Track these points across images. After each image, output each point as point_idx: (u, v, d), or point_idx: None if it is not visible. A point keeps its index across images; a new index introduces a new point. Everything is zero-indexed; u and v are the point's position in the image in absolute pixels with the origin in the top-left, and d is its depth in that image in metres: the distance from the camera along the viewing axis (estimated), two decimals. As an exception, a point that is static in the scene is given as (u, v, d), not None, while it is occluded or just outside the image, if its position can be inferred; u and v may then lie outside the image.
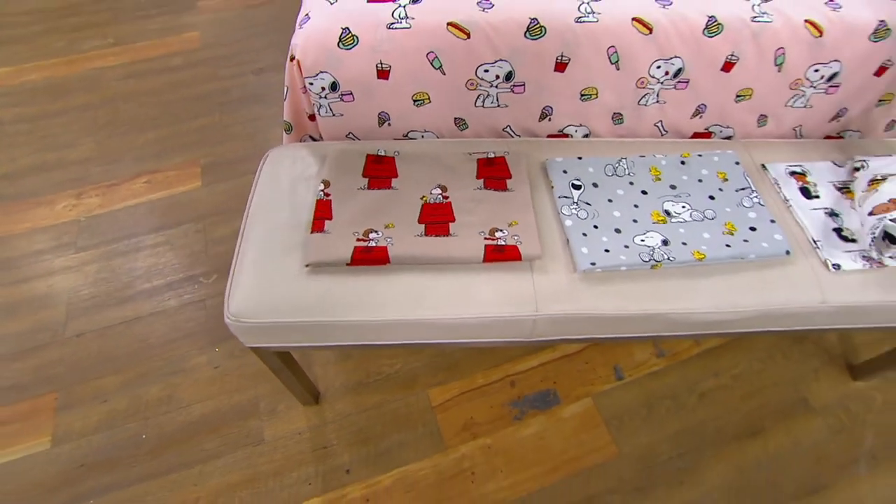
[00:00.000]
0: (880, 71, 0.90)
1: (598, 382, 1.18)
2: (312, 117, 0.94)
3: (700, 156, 0.88)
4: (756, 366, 1.24)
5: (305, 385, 1.04)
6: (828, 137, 1.03)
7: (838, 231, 0.82)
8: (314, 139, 1.01)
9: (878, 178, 0.81)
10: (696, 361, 1.23)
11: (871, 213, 0.78)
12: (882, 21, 0.84)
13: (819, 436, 1.15)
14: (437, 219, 0.78)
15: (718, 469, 1.09)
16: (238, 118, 1.72)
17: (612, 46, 0.82)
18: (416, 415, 1.12)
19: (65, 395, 1.15)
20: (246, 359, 1.19)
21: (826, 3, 0.85)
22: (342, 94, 0.86)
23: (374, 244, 0.74)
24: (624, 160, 0.86)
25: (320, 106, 0.88)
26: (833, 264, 0.79)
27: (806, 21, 0.83)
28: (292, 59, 0.83)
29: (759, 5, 0.84)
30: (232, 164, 1.58)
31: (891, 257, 0.76)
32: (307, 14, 0.82)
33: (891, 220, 0.74)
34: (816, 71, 0.89)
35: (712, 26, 0.82)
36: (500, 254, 0.73)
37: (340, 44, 0.80)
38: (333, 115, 0.90)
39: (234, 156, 1.60)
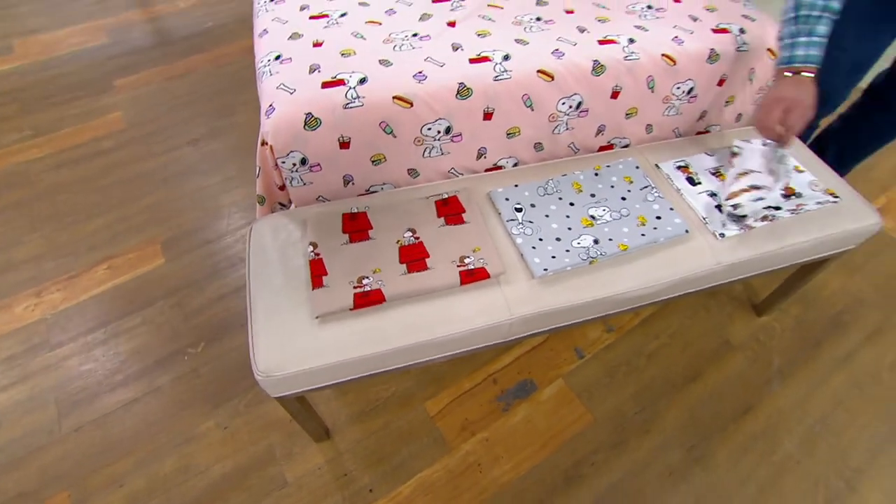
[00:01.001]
0: (721, 82, 1.18)
1: (565, 364, 1.38)
2: (282, 187, 1.07)
3: (608, 166, 1.11)
4: (686, 322, 1.49)
5: (317, 423, 1.15)
6: (698, 133, 1.29)
7: (718, 208, 1.06)
8: (283, 205, 1.14)
9: (742, 171, 1.06)
10: (638, 330, 1.47)
11: (727, 199, 1.03)
12: (712, 49, 1.11)
13: (741, 367, 1.41)
14: (414, 257, 0.94)
15: (673, 413, 1.32)
16: (185, 191, 1.78)
17: (525, 94, 1.02)
18: (418, 427, 1.26)
19: (77, 490, 1.18)
20: (251, 414, 1.27)
21: (673, 40, 1.10)
22: (311, 167, 1.00)
23: (368, 288, 0.88)
24: (551, 181, 1.06)
25: (292, 178, 1.02)
26: (719, 234, 1.03)
27: (662, 55, 1.08)
28: (264, 143, 0.96)
29: (627, 47, 1.08)
30: (191, 235, 1.65)
31: (741, 228, 1.02)
32: (271, 105, 0.95)
33: (731, 205, 1.00)
34: (678, 88, 1.14)
35: (597, 68, 1.05)
36: (472, 276, 0.90)
37: (306, 126, 0.94)
38: (304, 184, 1.03)
39: (191, 227, 1.67)
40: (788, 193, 1.12)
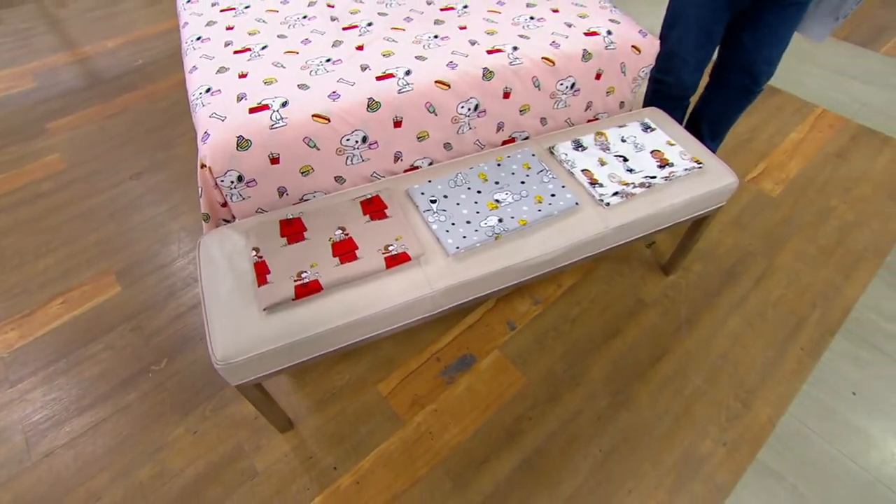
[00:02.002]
0: (598, 76, 1.39)
1: (500, 337, 1.55)
2: (224, 204, 1.19)
3: (509, 157, 1.29)
4: (603, 287, 1.69)
5: (280, 414, 1.27)
6: (589, 121, 1.50)
7: (599, 182, 1.26)
8: (227, 220, 1.26)
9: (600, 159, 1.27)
10: (562, 299, 1.65)
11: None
12: (585, 49, 1.31)
13: (654, 320, 1.62)
14: (345, 250, 1.08)
15: (598, 366, 1.51)
16: (134, 222, 1.86)
17: (427, 102, 1.19)
18: (373, 408, 1.39)
19: (55, 509, 1.25)
20: (219, 417, 1.38)
21: (551, 45, 1.30)
22: (247, 182, 1.13)
23: (307, 280, 1.02)
24: (460, 174, 1.24)
25: (231, 195, 1.15)
26: (605, 202, 1.22)
27: (542, 58, 1.28)
28: (203, 166, 1.09)
29: (511, 54, 1.27)
30: (145, 262, 1.73)
31: (622, 196, 1.22)
32: (206, 132, 1.08)
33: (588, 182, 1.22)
34: (562, 84, 1.34)
35: (487, 74, 1.23)
36: (396, 260, 1.06)
37: (238, 148, 1.07)
38: (243, 199, 1.16)
39: (145, 255, 1.75)
40: (663, 164, 1.33)
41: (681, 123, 1.67)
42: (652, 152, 1.36)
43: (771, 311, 1.65)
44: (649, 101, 1.60)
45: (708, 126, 1.77)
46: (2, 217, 1.92)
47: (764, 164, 2.16)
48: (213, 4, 1.50)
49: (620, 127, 1.41)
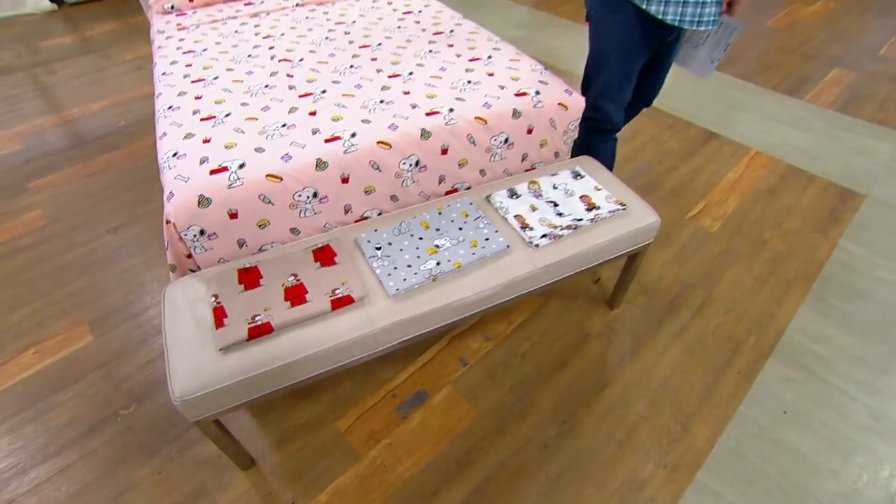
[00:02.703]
0: (530, 131, 1.56)
1: (452, 373, 1.65)
2: (189, 256, 1.31)
3: (449, 206, 1.43)
4: (552, 323, 1.81)
5: (241, 453, 1.35)
6: (526, 171, 1.66)
7: (529, 227, 1.40)
8: (193, 270, 1.38)
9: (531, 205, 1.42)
10: (512, 335, 1.76)
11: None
12: (514, 108, 1.49)
13: (599, 352, 1.73)
14: (296, 295, 1.20)
15: (546, 398, 1.60)
16: (110, 274, 1.96)
17: (371, 160, 1.34)
18: (331, 444, 1.47)
19: (19, 555, 1.29)
20: (183, 457, 1.44)
21: (483, 106, 1.47)
22: (209, 236, 1.26)
23: (260, 322, 1.13)
24: (403, 222, 1.37)
25: (195, 247, 1.27)
26: (534, 244, 1.36)
27: (476, 117, 1.45)
28: (168, 222, 1.21)
29: (447, 115, 1.43)
30: (118, 311, 1.82)
31: (551, 238, 1.36)
32: (171, 192, 1.21)
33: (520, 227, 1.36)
34: (495, 140, 1.50)
35: (425, 134, 1.39)
36: (341, 302, 1.17)
37: (200, 205, 1.20)
38: (206, 250, 1.28)
39: (118, 304, 1.84)
40: (590, 207, 1.48)
41: (613, 154, 1.87)
42: (581, 197, 1.51)
43: (710, 338, 1.78)
44: (584, 136, 1.76)
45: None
46: (-17, 271, 2.00)
47: (704, 202, 2.34)
48: (186, 76, 1.66)
49: (553, 175, 1.57)
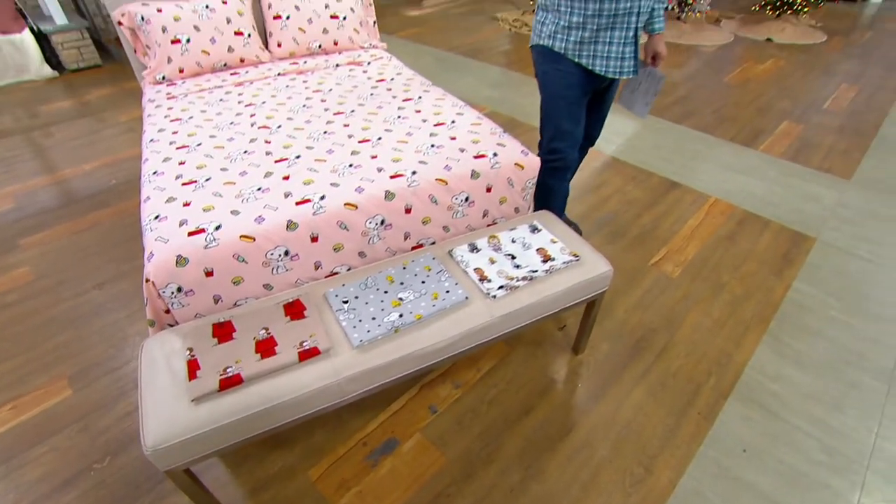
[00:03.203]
0: (489, 189, 1.69)
1: (422, 421, 1.70)
2: (167, 311, 1.40)
3: (413, 261, 1.54)
4: (519, 370, 1.88)
5: (213, 503, 1.38)
6: (488, 226, 1.78)
7: (488, 279, 1.51)
8: (171, 324, 1.46)
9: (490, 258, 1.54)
10: (481, 382, 1.83)
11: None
12: (473, 170, 1.63)
13: (565, 397, 1.80)
14: (266, 348, 1.28)
15: (512, 443, 1.66)
16: (92, 329, 2.02)
17: (339, 220, 1.46)
18: (303, 492, 1.50)
19: None
20: (155, 510, 1.47)
21: (444, 168, 1.61)
22: (186, 293, 1.35)
23: (231, 374, 1.20)
24: (370, 277, 1.47)
25: (173, 303, 1.35)
26: (492, 295, 1.46)
27: (436, 179, 1.58)
28: (147, 280, 1.30)
29: (410, 177, 1.56)
30: (98, 365, 1.87)
31: (507, 289, 1.46)
32: (151, 252, 1.31)
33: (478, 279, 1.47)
34: (456, 199, 1.63)
35: (389, 195, 1.52)
36: (308, 354, 1.25)
37: (177, 265, 1.30)
38: (183, 306, 1.37)
39: (99, 358, 1.90)
40: (546, 259, 1.60)
41: (567, 195, 2.08)
42: (537, 250, 1.63)
43: (671, 380, 1.86)
44: (542, 178, 1.92)
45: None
46: (-32, 327, 2.05)
47: (665, 249, 2.47)
48: (171, 143, 1.80)
49: (511, 230, 1.69)
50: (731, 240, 2.52)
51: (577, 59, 1.71)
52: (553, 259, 1.59)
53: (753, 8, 5.83)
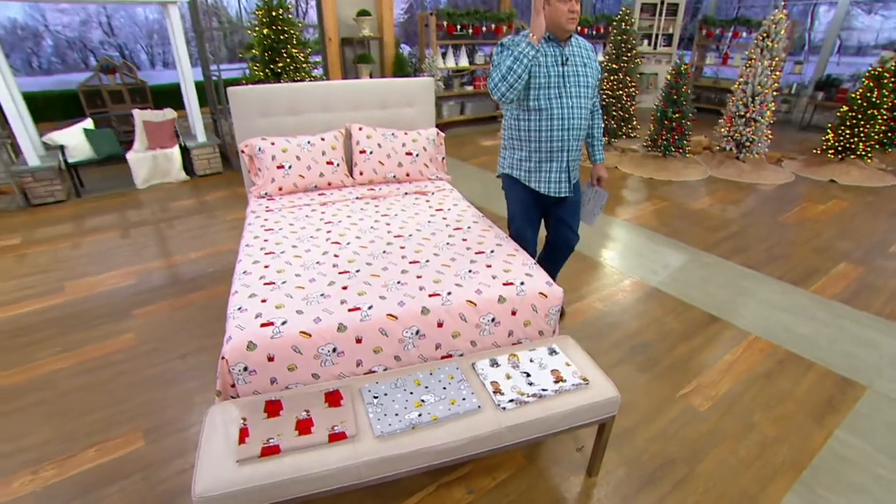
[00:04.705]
0: (514, 313, 1.94)
1: (434, 521, 1.83)
2: (233, 385, 1.72)
3: (439, 369, 1.78)
4: (534, 483, 1.97)
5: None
6: (513, 344, 2.01)
7: (501, 392, 1.71)
8: (234, 397, 1.77)
9: (507, 374, 1.75)
10: (495, 490, 1.94)
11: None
12: (500, 295, 1.90)
13: (572, 517, 1.86)
14: (304, 427, 1.54)
15: (516, 556, 1.73)
16: (172, 393, 2.40)
17: (381, 328, 1.76)
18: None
19: None
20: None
21: (475, 292, 1.90)
22: (250, 372, 1.67)
23: (272, 444, 1.47)
24: (400, 378, 1.73)
25: (238, 379, 1.67)
26: (501, 407, 1.65)
27: (467, 300, 1.87)
28: (223, 358, 1.64)
29: (445, 297, 1.86)
30: (170, 424, 2.20)
31: (517, 403, 1.65)
32: (230, 336, 1.67)
33: (493, 391, 1.67)
34: (483, 319, 1.89)
35: (424, 311, 1.81)
36: (337, 437, 1.50)
37: (248, 349, 1.64)
38: (246, 383, 1.69)
39: (171, 419, 2.23)
40: (558, 380, 1.78)
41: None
42: (552, 371, 1.82)
43: (686, 515, 1.86)
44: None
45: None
46: (81, 378, 2.50)
47: (696, 381, 2.51)
48: (262, 248, 2.25)
49: (531, 350, 1.91)
50: (769, 378, 2.51)
51: (527, 183, 2.37)
52: (564, 381, 1.77)
53: (815, 151, 5.95)
